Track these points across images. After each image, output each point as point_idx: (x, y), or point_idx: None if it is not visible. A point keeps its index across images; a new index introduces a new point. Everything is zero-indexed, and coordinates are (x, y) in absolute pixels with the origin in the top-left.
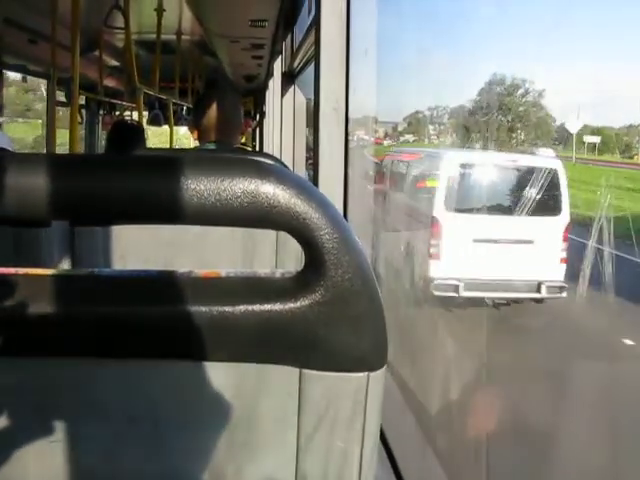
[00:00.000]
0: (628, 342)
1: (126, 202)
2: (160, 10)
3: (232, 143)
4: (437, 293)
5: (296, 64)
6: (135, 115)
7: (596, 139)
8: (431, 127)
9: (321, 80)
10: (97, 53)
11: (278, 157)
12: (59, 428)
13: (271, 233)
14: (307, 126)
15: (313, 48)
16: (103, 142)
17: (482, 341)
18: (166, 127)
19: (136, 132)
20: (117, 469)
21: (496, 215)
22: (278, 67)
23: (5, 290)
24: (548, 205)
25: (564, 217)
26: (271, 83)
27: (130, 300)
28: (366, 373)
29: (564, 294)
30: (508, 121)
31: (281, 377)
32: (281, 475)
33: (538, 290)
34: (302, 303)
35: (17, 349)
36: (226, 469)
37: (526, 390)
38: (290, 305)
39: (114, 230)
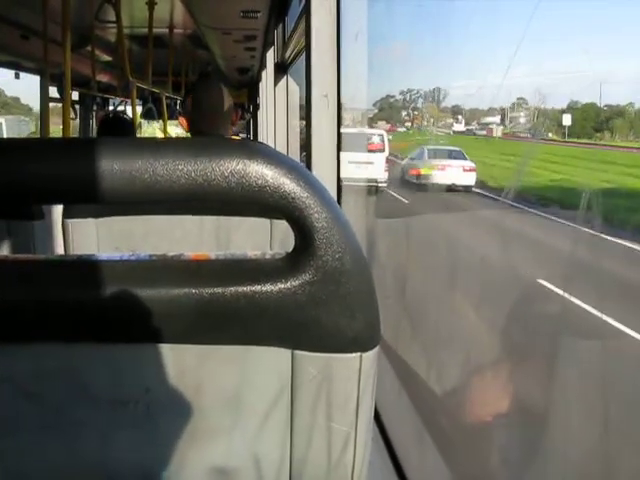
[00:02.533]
0: (397, 196)
1: (114, 184)
2: (151, 3)
3: (222, 134)
4: None
5: (288, 54)
6: (129, 109)
7: None
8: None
9: (312, 68)
10: (89, 48)
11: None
12: (52, 413)
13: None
14: (301, 118)
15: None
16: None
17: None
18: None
19: (125, 125)
20: (110, 453)
21: (358, 152)
22: (271, 58)
23: None
24: (380, 148)
25: (386, 153)
26: (264, 74)
27: (120, 284)
28: (359, 353)
29: (386, 184)
30: None
31: (273, 359)
32: (275, 456)
33: (376, 182)
34: (292, 284)
35: (6, 336)
36: (219, 452)
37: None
38: (280, 286)
39: (107, 222)
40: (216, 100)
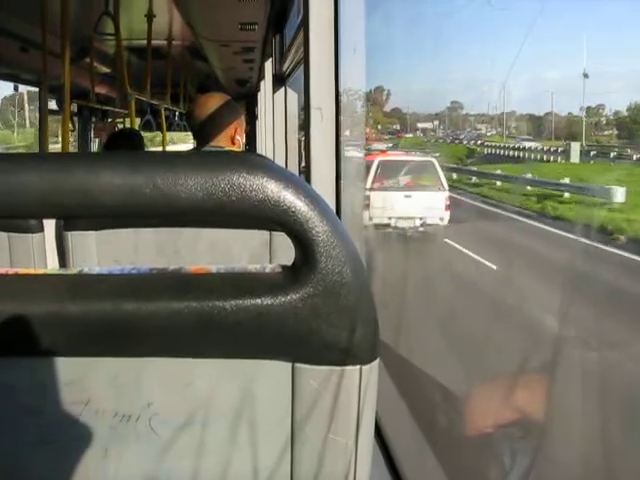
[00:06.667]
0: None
1: (114, 198)
2: (150, 15)
3: (220, 146)
4: None
5: (286, 66)
6: (128, 122)
7: None
8: None
9: (311, 79)
10: (88, 60)
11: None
12: (54, 427)
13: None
14: (300, 129)
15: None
16: (95, 149)
17: None
18: None
19: (133, 139)
20: (112, 468)
21: None
22: (269, 70)
23: None
24: None
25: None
26: (262, 86)
27: (121, 298)
28: (358, 366)
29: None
30: None
31: (274, 372)
32: (276, 469)
33: None
34: (292, 297)
35: (10, 349)
36: (220, 465)
37: None
38: (281, 299)
39: (107, 234)
40: (205, 113)
